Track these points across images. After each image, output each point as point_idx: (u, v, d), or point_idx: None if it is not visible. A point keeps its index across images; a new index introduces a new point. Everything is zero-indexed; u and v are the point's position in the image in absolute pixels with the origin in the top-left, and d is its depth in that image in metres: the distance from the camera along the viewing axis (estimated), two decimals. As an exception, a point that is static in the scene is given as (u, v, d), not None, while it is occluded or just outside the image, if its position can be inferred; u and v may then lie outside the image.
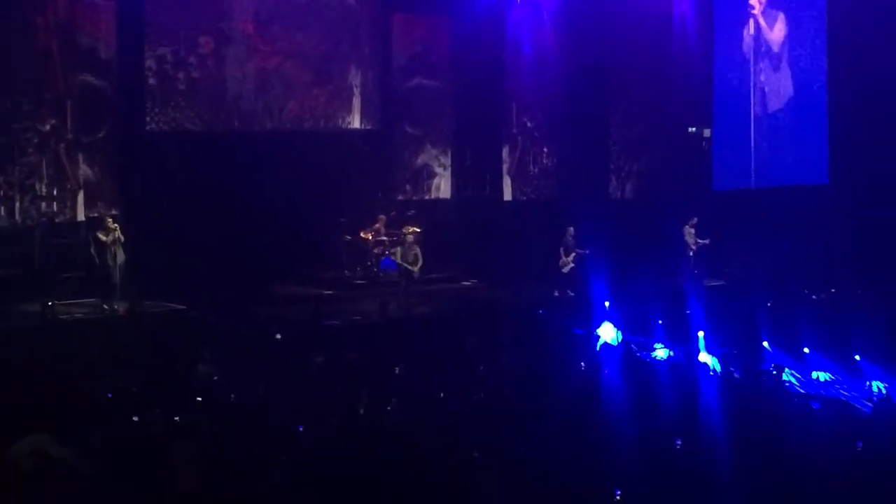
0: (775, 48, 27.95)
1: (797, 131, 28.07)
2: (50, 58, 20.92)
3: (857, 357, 17.08)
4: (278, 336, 16.82)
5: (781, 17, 28.05)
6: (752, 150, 27.73)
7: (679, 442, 11.07)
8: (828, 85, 27.88)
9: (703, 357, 17.30)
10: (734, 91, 27.57)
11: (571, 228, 23.24)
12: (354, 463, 10.12)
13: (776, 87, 27.95)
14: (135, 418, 11.67)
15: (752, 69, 27.68)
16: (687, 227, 24.39)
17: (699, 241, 24.32)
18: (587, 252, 22.91)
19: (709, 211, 25.51)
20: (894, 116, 25.98)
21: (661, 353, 17.99)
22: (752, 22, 27.64)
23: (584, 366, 15.76)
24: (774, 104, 27.92)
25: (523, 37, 25.70)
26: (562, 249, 23.10)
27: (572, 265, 23.01)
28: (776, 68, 27.97)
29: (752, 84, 27.70)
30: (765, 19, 27.71)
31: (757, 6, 27.60)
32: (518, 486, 9.51)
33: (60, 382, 13.45)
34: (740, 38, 27.59)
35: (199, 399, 13.08)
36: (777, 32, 27.93)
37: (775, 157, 28.01)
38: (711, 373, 16.27)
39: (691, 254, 24.39)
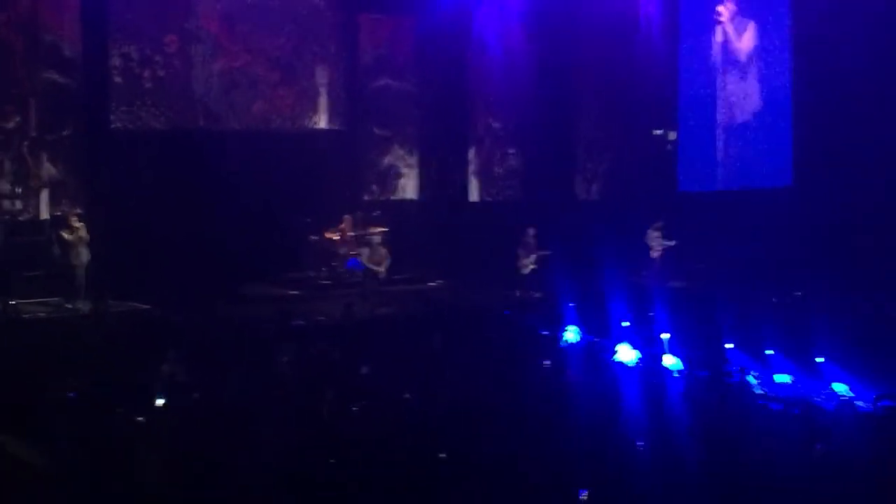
0: (742, 57, 28.08)
1: (763, 136, 28.23)
2: (13, 55, 20.81)
3: (820, 360, 17.19)
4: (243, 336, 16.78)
5: (752, 26, 28.18)
6: (717, 152, 27.89)
7: (641, 443, 11.12)
8: (792, 88, 28.05)
9: (668, 359, 17.37)
10: (700, 95, 27.71)
11: (531, 230, 23.31)
12: (320, 464, 10.12)
13: (742, 96, 28.09)
14: (98, 419, 11.62)
15: (718, 76, 27.82)
16: (650, 230, 24.50)
17: (665, 243, 24.43)
18: (549, 253, 22.97)
19: (674, 212, 25.63)
20: (858, 120, 26.16)
21: (626, 354, 18.04)
22: (719, 29, 27.78)
23: (549, 364, 15.81)
24: (741, 115, 28.06)
25: (489, 38, 25.77)
26: (520, 251, 23.16)
27: (533, 266, 23.06)
28: (743, 78, 28.11)
29: (717, 91, 27.85)
30: (734, 28, 27.84)
31: (725, 14, 27.74)
32: (483, 486, 9.54)
33: (23, 382, 13.37)
34: (708, 45, 27.73)
35: (164, 399, 13.02)
36: (746, 41, 28.05)
37: (740, 160, 28.17)
38: (676, 375, 16.34)
39: (655, 255, 24.50)
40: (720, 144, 27.84)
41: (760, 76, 28.16)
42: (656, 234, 24.49)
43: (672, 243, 24.37)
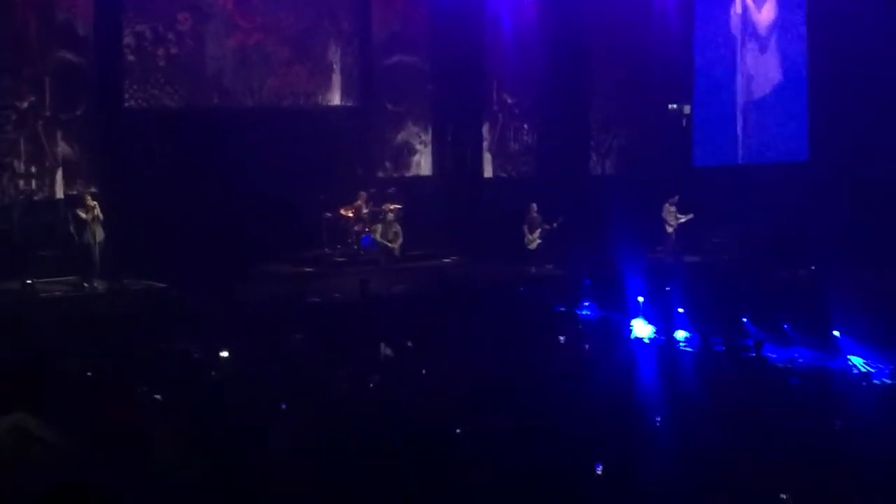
0: (762, 30, 27.91)
1: (779, 111, 28.11)
2: (27, 34, 20.80)
3: (837, 333, 17.15)
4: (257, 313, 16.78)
5: (772, -2, 28.01)
6: (733, 127, 27.79)
7: (658, 419, 11.10)
8: (808, 62, 27.90)
9: (680, 333, 17.36)
10: (717, 69, 27.58)
11: (534, 205, 23.33)
12: (336, 440, 10.13)
13: (762, 71, 27.93)
14: (114, 396, 11.64)
15: (738, 49, 27.68)
16: (667, 204, 24.46)
17: (680, 217, 24.37)
18: (555, 226, 22.92)
19: (688, 187, 25.57)
20: (874, 94, 26.02)
21: (642, 329, 18.03)
22: (738, 1, 27.60)
23: (564, 340, 15.80)
24: (760, 90, 27.92)
25: (504, 13, 25.65)
26: (525, 227, 23.18)
27: (539, 241, 23.08)
28: (763, 51, 27.94)
29: (736, 64, 27.71)
30: (753, 1, 27.65)
31: None
32: (499, 461, 9.54)
33: (40, 361, 13.41)
34: (727, 17, 27.55)
35: (181, 377, 13.05)
36: (766, 13, 27.87)
37: (756, 135, 28.07)
38: (688, 349, 16.33)
39: (671, 230, 24.46)
40: (738, 119, 27.71)
41: (780, 49, 28.00)
42: (672, 208, 24.43)
43: (688, 217, 24.30)
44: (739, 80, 27.75)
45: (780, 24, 27.92)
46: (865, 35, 25.59)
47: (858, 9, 25.64)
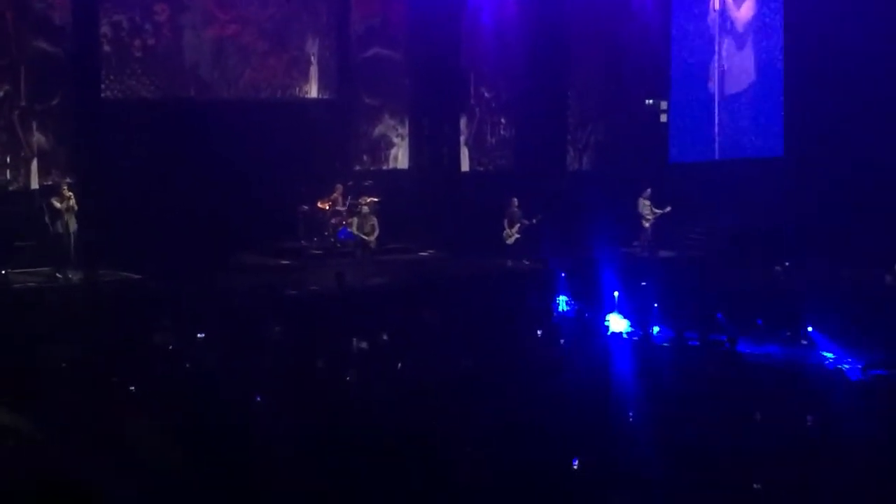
0: (740, 27, 28.01)
1: (755, 108, 28.24)
2: (3, 24, 20.68)
3: (810, 329, 17.26)
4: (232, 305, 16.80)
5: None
6: (709, 123, 27.89)
7: (631, 414, 11.17)
8: (783, 59, 28.04)
9: (656, 329, 17.44)
10: (694, 65, 27.67)
11: (515, 199, 23.39)
12: (312, 432, 10.14)
13: (738, 67, 28.04)
14: (89, 387, 11.63)
15: (715, 45, 27.77)
16: (641, 199, 24.52)
17: (656, 210, 24.42)
18: (534, 222, 22.98)
19: (664, 182, 25.66)
20: (849, 92, 26.19)
21: (617, 324, 18.10)
22: (717, -1, 27.72)
23: (540, 334, 15.86)
24: (735, 86, 28.03)
25: (482, 7, 25.65)
26: (505, 221, 23.25)
27: (517, 236, 23.16)
28: (740, 48, 28.03)
29: (713, 61, 27.81)
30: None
31: None
32: (476, 454, 9.57)
33: (14, 351, 13.37)
34: (704, 14, 27.63)
35: (155, 368, 13.04)
36: (745, 10, 27.97)
37: (732, 131, 28.19)
38: (664, 344, 16.40)
39: (647, 225, 24.52)
40: (714, 115, 27.82)
41: (757, 46, 28.11)
42: (647, 202, 24.49)
43: (666, 210, 24.33)
44: (716, 77, 27.85)
45: (758, 22, 28.04)
46: (841, 34, 25.75)
47: (835, 8, 25.79)
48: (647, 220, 24.48)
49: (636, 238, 24.67)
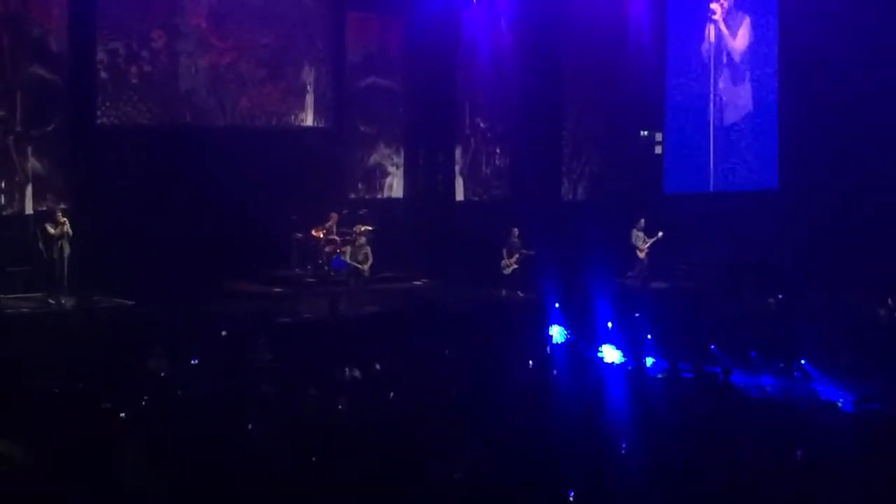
0: (736, 57, 28.11)
1: (751, 140, 28.33)
2: (0, 49, 20.70)
3: (803, 362, 17.24)
4: (224, 333, 16.77)
5: (746, 21, 28.12)
6: (705, 154, 27.96)
7: (623, 446, 11.14)
8: (778, 91, 28.14)
9: (650, 360, 17.42)
10: (689, 96, 27.75)
11: (516, 230, 23.41)
12: (302, 461, 10.11)
13: (735, 99, 28.13)
14: (81, 413, 11.58)
15: (711, 77, 27.88)
16: (635, 230, 24.52)
17: (648, 239, 24.39)
18: (532, 253, 23.01)
19: (658, 213, 25.69)
20: (843, 123, 26.29)
21: (610, 355, 18.07)
22: (712, 28, 27.80)
23: (532, 364, 15.83)
24: (732, 116, 28.11)
25: (478, 38, 25.73)
26: (504, 251, 23.27)
27: (515, 266, 23.19)
28: (736, 80, 28.12)
29: (710, 91, 27.90)
30: (727, 25, 27.84)
31: (719, 11, 27.75)
32: (469, 485, 9.54)
33: (7, 377, 13.33)
34: (699, 45, 27.73)
35: (147, 395, 13.00)
36: (740, 40, 28.06)
37: (727, 162, 28.26)
38: (660, 375, 16.38)
39: (642, 255, 24.51)
40: (710, 146, 27.88)
41: (753, 78, 28.20)
42: (640, 233, 24.50)
43: (657, 237, 24.30)
44: (712, 109, 27.94)
45: (753, 53, 28.14)
46: (836, 65, 25.88)
47: (830, 39, 25.91)
48: (642, 250, 24.50)
49: (630, 268, 24.67)
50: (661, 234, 24.34)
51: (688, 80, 27.72)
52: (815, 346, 17.49)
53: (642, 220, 24.58)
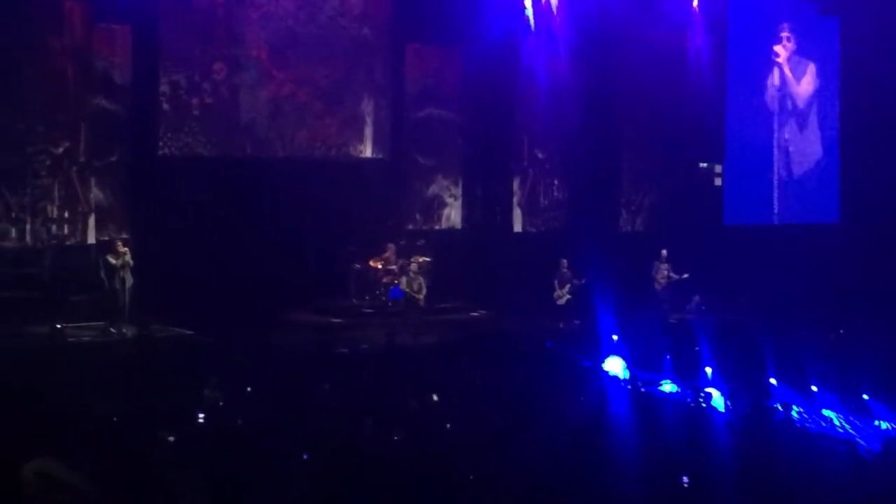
0: (801, 104, 27.90)
1: (816, 180, 28.12)
2: (64, 80, 21.01)
3: (865, 396, 17.03)
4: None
5: (811, 68, 27.92)
6: (767, 190, 27.81)
7: (686, 479, 11.03)
8: (839, 127, 27.94)
9: (712, 393, 17.25)
10: (751, 132, 27.61)
11: (565, 261, 23.30)
12: (358, 492, 10.11)
13: (802, 146, 27.95)
14: (141, 443, 11.67)
15: (775, 121, 27.74)
16: (657, 262, 24.04)
17: (673, 275, 23.93)
18: (583, 282, 22.86)
19: (718, 246, 25.51)
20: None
21: (667, 388, 17.96)
22: (776, 71, 27.66)
23: (584, 399, 15.74)
24: (800, 166, 27.92)
25: (536, 69, 25.73)
26: (556, 282, 23.20)
27: (569, 297, 23.08)
28: (802, 127, 27.92)
29: (773, 137, 27.76)
30: (791, 70, 27.66)
31: (783, 54, 27.55)
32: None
33: (67, 406, 13.45)
34: (762, 84, 27.59)
35: (205, 424, 13.08)
36: (805, 86, 27.86)
37: (787, 195, 28.07)
38: (721, 409, 16.24)
39: (659, 288, 24.02)
40: (774, 185, 27.72)
41: (819, 123, 27.97)
42: (663, 266, 24.07)
43: (683, 277, 23.83)
44: (776, 154, 27.78)
45: (819, 97, 27.89)
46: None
47: (891, 76, 25.74)
48: (660, 283, 24.04)
49: (687, 301, 24.38)
50: (686, 275, 23.79)
51: (750, 115, 27.59)
52: (878, 381, 17.27)
53: (664, 252, 24.19)
